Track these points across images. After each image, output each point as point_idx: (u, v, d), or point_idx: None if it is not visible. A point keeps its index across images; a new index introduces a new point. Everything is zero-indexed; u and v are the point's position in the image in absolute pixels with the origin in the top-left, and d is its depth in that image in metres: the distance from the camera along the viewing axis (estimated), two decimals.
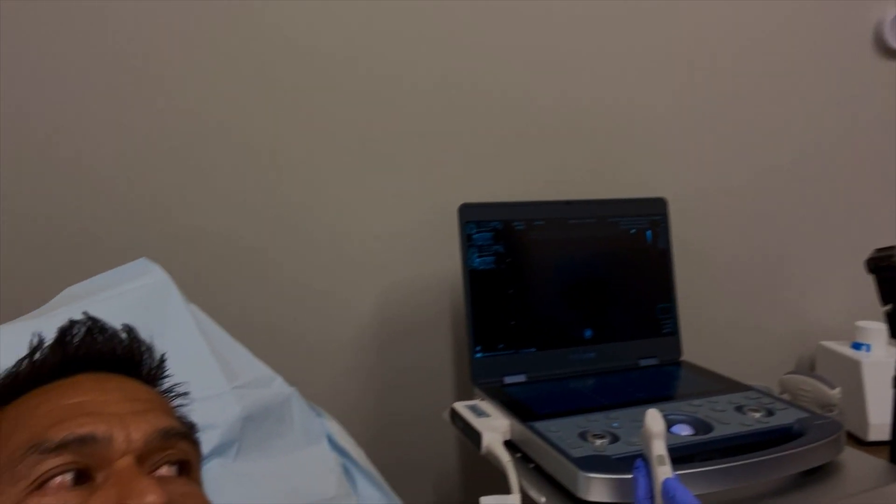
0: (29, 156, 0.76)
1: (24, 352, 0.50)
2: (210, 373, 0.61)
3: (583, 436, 0.62)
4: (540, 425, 0.65)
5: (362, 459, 0.68)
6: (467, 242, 0.79)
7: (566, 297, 0.83)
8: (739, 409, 0.69)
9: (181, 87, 0.80)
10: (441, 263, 0.90)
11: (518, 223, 0.81)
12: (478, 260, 0.79)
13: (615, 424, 0.65)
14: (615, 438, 0.62)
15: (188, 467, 0.47)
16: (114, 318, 0.54)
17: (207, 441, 0.56)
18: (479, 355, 0.78)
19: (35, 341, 0.50)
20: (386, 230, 0.90)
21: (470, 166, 0.92)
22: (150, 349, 0.54)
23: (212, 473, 0.55)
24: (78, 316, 0.52)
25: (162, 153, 0.80)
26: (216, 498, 0.51)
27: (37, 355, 0.49)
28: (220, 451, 0.57)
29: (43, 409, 0.45)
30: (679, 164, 1.02)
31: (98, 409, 0.45)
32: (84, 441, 0.42)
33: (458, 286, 0.80)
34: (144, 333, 0.55)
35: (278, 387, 0.65)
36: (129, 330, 0.53)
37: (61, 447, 0.42)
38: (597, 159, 0.98)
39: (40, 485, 0.41)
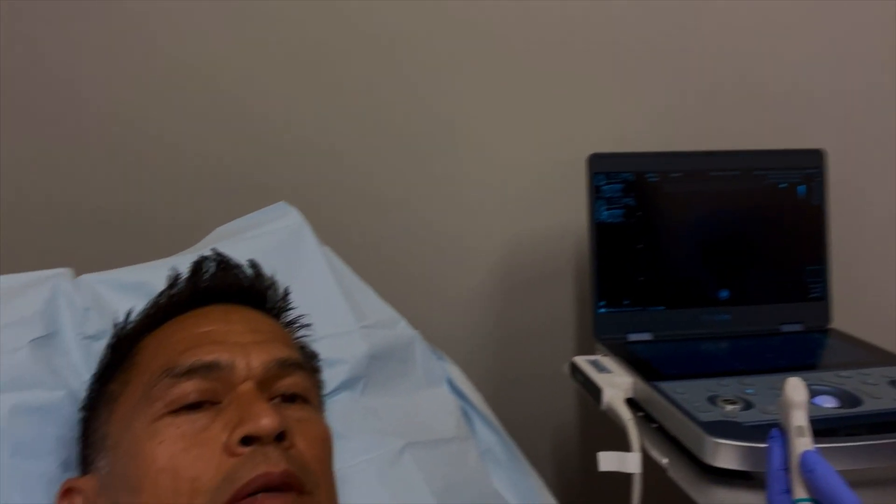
0: (187, 104, 0.82)
1: None
2: (340, 311, 0.64)
3: (712, 400, 0.59)
4: (665, 386, 0.63)
5: (481, 404, 0.69)
6: (595, 194, 0.76)
7: (702, 255, 0.78)
8: (894, 383, 0.63)
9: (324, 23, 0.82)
10: (568, 215, 0.87)
11: (651, 175, 0.77)
12: (606, 213, 0.76)
13: (749, 391, 0.61)
14: (748, 405, 0.59)
15: (305, 395, 0.50)
16: (255, 256, 0.58)
17: (337, 375, 0.60)
18: (602, 310, 0.76)
19: (172, 276, 0.54)
20: (516, 178, 0.89)
21: (602, 113, 0.88)
22: (274, 284, 0.57)
23: (340, 405, 0.59)
24: (208, 253, 0.56)
25: (304, 96, 0.83)
26: (343, 427, 0.55)
27: (174, 289, 0.54)
28: (348, 384, 0.60)
29: (177, 336, 0.49)
30: (836, 109, 0.92)
31: (223, 338, 0.48)
32: (210, 367, 0.46)
33: (584, 239, 0.78)
34: (280, 271, 0.58)
35: (402, 329, 0.68)
36: (255, 266, 0.57)
37: (191, 371, 0.46)
38: (740, 105, 0.90)
39: (172, 405, 0.45)
